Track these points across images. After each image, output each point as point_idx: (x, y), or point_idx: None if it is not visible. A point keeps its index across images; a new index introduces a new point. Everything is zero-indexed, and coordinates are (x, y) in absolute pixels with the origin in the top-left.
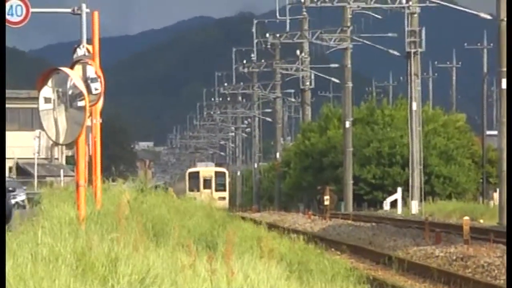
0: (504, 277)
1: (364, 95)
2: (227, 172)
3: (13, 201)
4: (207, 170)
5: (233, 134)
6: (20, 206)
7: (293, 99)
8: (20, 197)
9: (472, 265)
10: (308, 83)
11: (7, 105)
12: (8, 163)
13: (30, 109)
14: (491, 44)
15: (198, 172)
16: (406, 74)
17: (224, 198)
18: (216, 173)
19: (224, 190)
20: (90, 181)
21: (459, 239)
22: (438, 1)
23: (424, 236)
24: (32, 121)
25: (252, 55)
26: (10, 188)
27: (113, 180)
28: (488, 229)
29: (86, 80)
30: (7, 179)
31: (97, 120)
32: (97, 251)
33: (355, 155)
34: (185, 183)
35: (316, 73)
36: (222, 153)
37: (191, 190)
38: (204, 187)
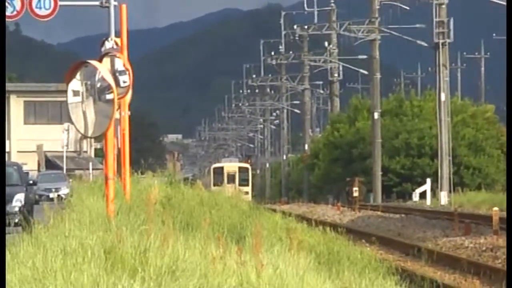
0: None
1: (392, 87)
2: (250, 168)
3: (52, 195)
4: (231, 165)
5: (261, 126)
6: (49, 200)
7: (321, 91)
8: (63, 190)
9: (501, 255)
10: (336, 75)
11: (36, 99)
12: (35, 157)
13: (59, 102)
14: None
15: (222, 168)
16: (434, 65)
17: (247, 193)
18: (240, 168)
19: (247, 184)
20: (119, 174)
21: (488, 230)
22: None
23: (453, 227)
24: (61, 114)
25: (280, 47)
26: (31, 182)
27: (142, 173)
28: None
29: (114, 73)
30: (48, 172)
31: (126, 113)
32: (126, 243)
33: (384, 146)
34: (210, 178)
35: (344, 64)
36: (251, 145)
37: (215, 184)
38: (228, 182)
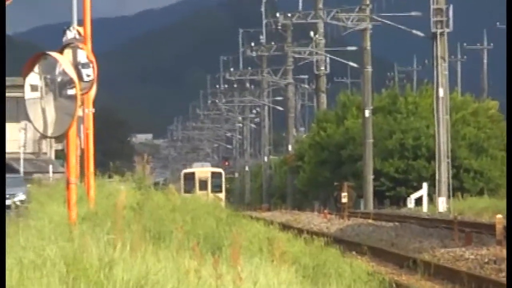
0: None
1: (385, 81)
2: (223, 173)
3: (7, 202)
4: (202, 170)
5: (240, 124)
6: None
7: (306, 86)
8: (19, 197)
9: (506, 268)
10: (323, 68)
11: None
12: None
13: (15, 98)
14: None
15: (193, 173)
16: (431, 57)
17: (220, 200)
18: (212, 173)
19: (220, 191)
20: (82, 177)
21: (491, 239)
22: None
23: (452, 237)
24: (18, 112)
25: (261, 37)
26: None
27: (109, 177)
28: None
29: (76, 65)
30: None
31: (90, 110)
32: (90, 254)
33: (376, 147)
34: (180, 184)
35: (332, 56)
36: (229, 146)
37: (186, 191)
38: (200, 189)
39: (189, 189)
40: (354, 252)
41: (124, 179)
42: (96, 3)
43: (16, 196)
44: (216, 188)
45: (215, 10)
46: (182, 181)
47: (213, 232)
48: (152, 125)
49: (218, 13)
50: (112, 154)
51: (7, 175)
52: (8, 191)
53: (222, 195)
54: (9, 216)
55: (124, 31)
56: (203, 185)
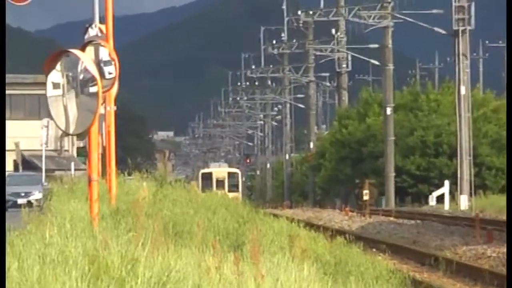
0: None
1: (407, 79)
2: (239, 173)
3: (20, 201)
4: (220, 170)
5: (261, 122)
6: (16, 206)
7: (328, 83)
8: (34, 195)
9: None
10: (344, 66)
11: (11, 92)
12: (12, 156)
13: (37, 95)
14: None
15: (211, 173)
16: (453, 55)
17: (237, 199)
18: (229, 173)
19: (237, 190)
20: (104, 175)
21: None
22: None
23: (474, 235)
24: (39, 109)
25: (283, 35)
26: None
27: (129, 174)
28: None
29: (98, 63)
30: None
31: (111, 108)
32: (112, 252)
33: (397, 144)
34: (198, 183)
35: (354, 54)
36: (250, 143)
37: (204, 190)
38: (217, 188)
39: (207, 188)
40: (375, 249)
41: (145, 176)
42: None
43: (31, 195)
44: (233, 188)
45: (236, 6)
46: (200, 180)
47: (233, 229)
48: (172, 122)
49: (239, 9)
50: (131, 150)
51: (23, 173)
52: (23, 189)
53: (238, 194)
54: (30, 213)
55: (144, 28)
56: (220, 184)
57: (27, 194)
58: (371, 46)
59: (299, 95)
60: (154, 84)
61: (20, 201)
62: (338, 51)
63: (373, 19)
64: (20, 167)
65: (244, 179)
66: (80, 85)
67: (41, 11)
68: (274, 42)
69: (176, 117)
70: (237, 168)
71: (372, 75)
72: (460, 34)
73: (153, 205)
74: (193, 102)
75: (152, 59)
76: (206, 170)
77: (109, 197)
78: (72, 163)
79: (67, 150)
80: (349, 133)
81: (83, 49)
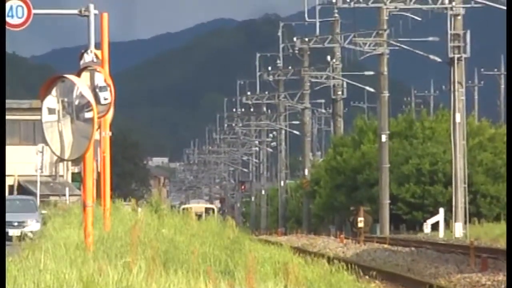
0: None
1: (402, 106)
2: (215, 208)
3: (12, 232)
4: (198, 206)
5: (256, 148)
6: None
7: (323, 110)
8: (31, 226)
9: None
10: (340, 93)
11: (7, 117)
12: (8, 181)
13: (32, 121)
14: None
15: (190, 208)
16: (448, 82)
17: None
18: (206, 209)
19: None
20: (98, 200)
21: None
22: (484, 1)
23: (469, 263)
24: (35, 134)
25: (278, 61)
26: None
27: (124, 200)
28: None
29: (94, 89)
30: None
31: (107, 133)
32: (107, 278)
33: (392, 172)
34: None
35: (349, 81)
36: (245, 170)
37: None
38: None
39: None
40: (368, 277)
41: (140, 203)
42: (113, 27)
43: (26, 226)
44: None
45: (232, 33)
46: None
47: (226, 255)
48: (167, 148)
49: (235, 36)
50: (127, 177)
51: (17, 197)
52: (17, 217)
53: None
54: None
55: (139, 53)
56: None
57: (21, 224)
58: (367, 73)
59: (294, 122)
60: (151, 111)
61: (12, 232)
62: (334, 78)
63: (369, 46)
64: (15, 192)
65: (239, 205)
66: (76, 110)
67: (36, 37)
68: (269, 68)
69: (172, 144)
70: (232, 194)
71: (367, 102)
72: (456, 62)
73: (148, 232)
74: (189, 129)
75: (149, 86)
76: (186, 206)
77: (104, 223)
78: (67, 189)
79: (62, 176)
80: (344, 160)
81: (78, 74)
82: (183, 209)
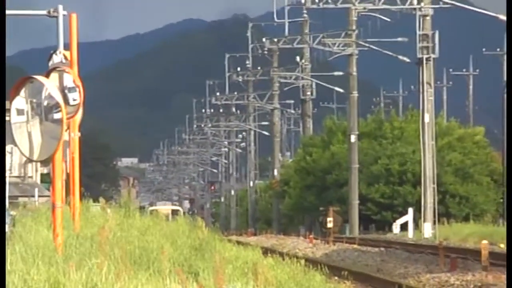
0: None
1: (371, 106)
2: (181, 209)
3: None
4: (165, 208)
5: (226, 149)
6: None
7: (292, 111)
8: None
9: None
10: (309, 93)
11: None
12: None
13: None
14: None
15: (157, 210)
16: (417, 83)
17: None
18: (172, 210)
19: None
20: (67, 201)
21: (477, 265)
22: (453, 2)
23: (438, 263)
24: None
25: (247, 62)
26: None
27: (94, 201)
28: None
29: (63, 89)
30: None
31: (76, 134)
32: (74, 279)
33: (361, 172)
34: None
35: (318, 81)
36: (214, 170)
37: None
38: None
39: None
40: (338, 278)
41: (110, 203)
42: (82, 28)
43: None
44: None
45: (201, 34)
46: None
47: (191, 256)
48: (138, 149)
49: (204, 37)
50: (97, 178)
51: None
52: None
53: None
54: None
55: (109, 54)
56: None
57: None
58: (336, 73)
59: (263, 123)
60: (121, 112)
61: None
62: (303, 78)
63: (338, 46)
64: None
65: (208, 206)
66: (44, 111)
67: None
68: (238, 69)
69: (142, 144)
70: (202, 195)
71: (336, 102)
72: (425, 62)
73: (117, 233)
74: (159, 130)
75: (119, 87)
76: (153, 208)
77: (73, 224)
78: (36, 190)
79: (31, 177)
80: (313, 160)
81: (47, 75)
82: (151, 211)
